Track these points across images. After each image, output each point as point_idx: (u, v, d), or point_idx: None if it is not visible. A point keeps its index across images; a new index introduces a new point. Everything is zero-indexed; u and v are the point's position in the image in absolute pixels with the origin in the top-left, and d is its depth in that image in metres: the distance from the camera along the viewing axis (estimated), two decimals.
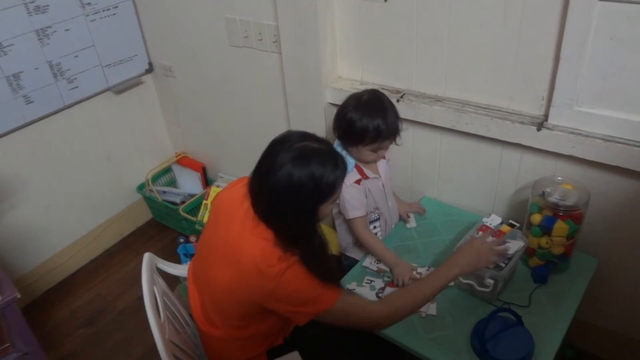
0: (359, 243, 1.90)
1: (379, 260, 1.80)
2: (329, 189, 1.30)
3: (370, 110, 1.70)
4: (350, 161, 1.78)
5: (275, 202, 1.30)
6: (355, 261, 1.88)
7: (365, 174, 1.80)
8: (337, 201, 1.78)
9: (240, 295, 1.36)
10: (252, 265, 1.30)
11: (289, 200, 1.28)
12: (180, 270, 1.73)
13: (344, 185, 1.74)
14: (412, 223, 1.98)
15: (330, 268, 1.42)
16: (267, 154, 1.34)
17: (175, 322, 1.59)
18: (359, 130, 1.70)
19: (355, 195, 1.78)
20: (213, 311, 1.48)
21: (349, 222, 1.83)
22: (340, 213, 1.86)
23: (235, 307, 1.41)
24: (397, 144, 1.77)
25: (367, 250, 1.84)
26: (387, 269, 1.77)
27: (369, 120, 1.69)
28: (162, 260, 1.65)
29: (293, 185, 1.26)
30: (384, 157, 1.86)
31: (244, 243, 1.34)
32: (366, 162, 1.80)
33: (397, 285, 1.69)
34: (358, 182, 1.79)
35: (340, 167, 1.32)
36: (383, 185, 1.85)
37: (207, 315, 1.51)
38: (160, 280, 1.61)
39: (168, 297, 1.62)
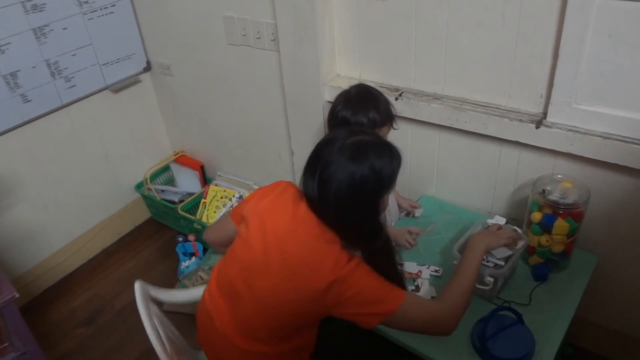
0: None
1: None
2: (390, 179, 1.28)
3: (360, 103, 1.71)
4: None
5: (343, 204, 1.25)
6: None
7: None
8: None
9: (302, 306, 1.29)
10: (322, 274, 1.24)
11: (357, 199, 1.25)
12: (174, 295, 1.64)
13: None
14: (418, 212, 2.02)
15: (397, 264, 1.38)
16: (318, 157, 1.28)
17: (175, 344, 1.52)
18: (353, 125, 1.71)
19: None
20: (260, 325, 1.37)
21: None
22: None
23: (289, 320, 1.34)
24: (394, 128, 1.76)
25: None
26: (414, 270, 1.76)
27: (361, 114, 1.69)
28: (154, 288, 1.57)
29: (357, 183, 1.23)
30: None
31: (311, 253, 1.28)
32: None
33: (398, 246, 1.74)
34: None
35: (395, 155, 1.29)
36: None
37: (249, 330, 1.39)
38: (153, 307, 1.52)
39: (164, 322, 1.56)
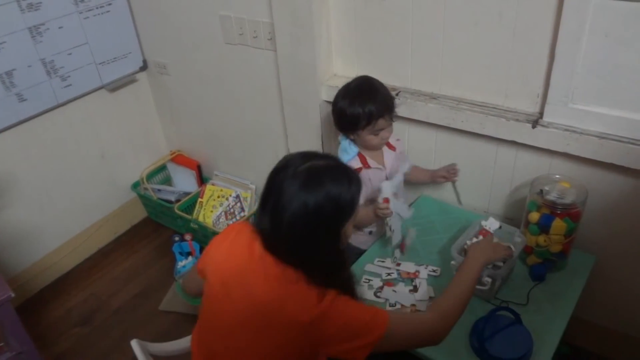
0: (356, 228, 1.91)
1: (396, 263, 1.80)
2: (349, 206, 1.18)
3: (359, 95, 1.73)
4: (354, 149, 1.80)
5: (298, 239, 1.15)
6: (356, 249, 1.91)
7: (367, 164, 1.80)
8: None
9: (285, 354, 1.21)
10: (297, 319, 1.15)
11: (312, 231, 1.15)
12: (173, 346, 1.60)
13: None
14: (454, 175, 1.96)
15: (357, 296, 1.27)
16: (271, 186, 1.19)
17: None
18: (350, 116, 1.73)
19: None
20: None
21: None
22: None
23: None
24: (392, 121, 1.76)
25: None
26: (412, 270, 1.76)
27: (358, 105, 1.71)
28: (151, 344, 1.53)
29: (311, 213, 1.13)
30: (392, 147, 1.86)
31: (277, 298, 1.18)
32: (372, 148, 1.80)
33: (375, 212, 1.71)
34: (358, 169, 1.79)
35: (354, 180, 1.20)
36: (387, 177, 1.84)
37: None
38: None
39: None
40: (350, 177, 1.20)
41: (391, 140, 1.86)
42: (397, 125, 1.85)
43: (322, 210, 1.14)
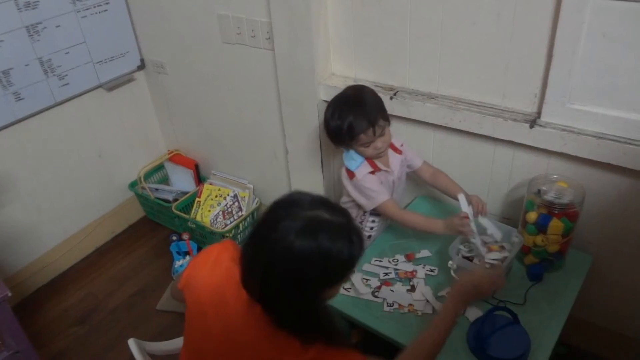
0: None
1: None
2: (338, 267, 1.07)
3: (343, 108, 1.71)
4: (359, 156, 1.78)
5: (270, 278, 1.05)
6: None
7: (377, 166, 1.79)
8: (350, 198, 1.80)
9: None
10: None
11: (288, 276, 1.04)
12: (168, 346, 1.59)
13: (362, 174, 1.76)
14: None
15: (341, 331, 1.18)
16: (268, 217, 1.09)
17: None
18: (332, 130, 1.73)
19: (373, 181, 1.77)
20: None
21: (379, 211, 1.79)
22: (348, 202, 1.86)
23: None
24: (379, 134, 1.71)
25: (412, 228, 1.81)
26: (409, 269, 1.76)
27: (340, 118, 1.70)
28: (148, 343, 1.53)
29: (294, 259, 1.02)
30: (398, 151, 1.84)
31: (256, 338, 1.11)
32: (369, 158, 1.78)
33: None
34: (372, 172, 1.78)
35: (355, 244, 1.08)
36: (394, 182, 1.84)
37: None
38: None
39: None
40: (352, 240, 1.08)
41: (396, 144, 1.85)
42: (394, 125, 1.85)
43: (305, 261, 1.03)
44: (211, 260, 1.26)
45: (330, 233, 1.04)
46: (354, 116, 1.68)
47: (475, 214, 1.70)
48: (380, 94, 1.80)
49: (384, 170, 1.80)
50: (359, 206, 1.84)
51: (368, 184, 1.76)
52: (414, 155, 1.90)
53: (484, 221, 1.69)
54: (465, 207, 1.66)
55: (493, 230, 1.67)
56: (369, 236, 1.93)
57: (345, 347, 1.12)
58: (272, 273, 1.05)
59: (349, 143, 1.74)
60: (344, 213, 1.12)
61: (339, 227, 1.07)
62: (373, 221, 1.90)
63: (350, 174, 1.79)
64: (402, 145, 1.88)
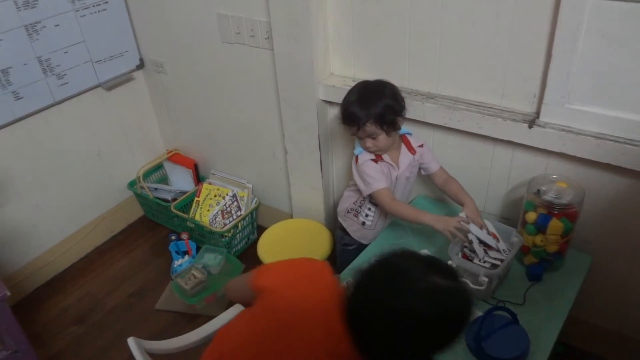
0: (352, 212, 1.95)
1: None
2: (460, 329, 1.08)
3: (358, 94, 1.73)
4: None
5: (390, 339, 1.05)
6: (356, 242, 1.96)
7: (380, 157, 1.80)
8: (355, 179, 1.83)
9: None
10: None
11: (413, 340, 1.05)
12: (167, 345, 1.59)
13: (363, 159, 1.79)
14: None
15: None
16: (382, 275, 1.09)
17: None
18: (341, 110, 1.77)
19: (373, 167, 1.79)
20: None
21: (374, 197, 1.82)
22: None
23: None
24: (383, 132, 1.72)
25: (401, 219, 1.84)
26: None
27: (349, 102, 1.74)
28: (148, 342, 1.53)
29: (425, 323, 1.03)
30: (412, 150, 1.84)
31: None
32: (366, 149, 1.79)
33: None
34: (375, 160, 1.80)
35: (472, 302, 1.10)
36: (397, 178, 1.84)
37: None
38: None
39: None
40: (470, 301, 1.09)
41: (414, 144, 1.85)
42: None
43: (436, 326, 1.04)
44: (307, 280, 1.24)
45: (452, 298, 1.05)
46: (354, 105, 1.71)
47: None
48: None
49: (388, 164, 1.81)
50: (359, 192, 1.87)
51: (368, 170, 1.78)
52: (432, 159, 1.89)
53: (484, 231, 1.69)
54: (471, 225, 1.67)
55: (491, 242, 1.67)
56: (363, 223, 1.95)
57: None
58: (393, 336, 1.04)
59: (348, 127, 1.77)
60: (455, 274, 1.12)
61: (458, 290, 1.07)
62: (369, 209, 1.92)
63: (356, 159, 1.83)
64: (420, 146, 1.87)
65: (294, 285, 1.24)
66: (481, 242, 1.65)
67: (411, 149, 1.84)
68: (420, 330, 1.03)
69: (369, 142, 1.75)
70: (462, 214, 1.71)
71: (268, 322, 1.21)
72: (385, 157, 1.80)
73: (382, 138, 1.73)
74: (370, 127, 1.71)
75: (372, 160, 1.79)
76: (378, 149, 1.77)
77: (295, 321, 1.17)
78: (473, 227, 1.65)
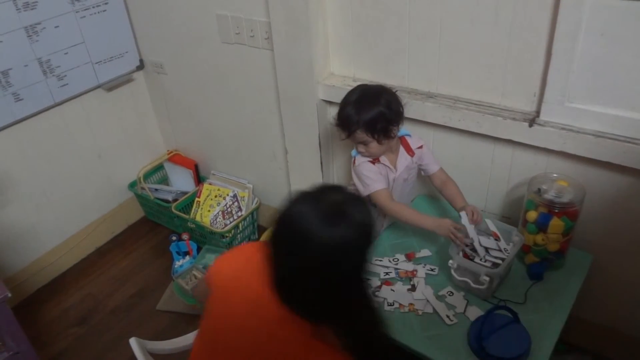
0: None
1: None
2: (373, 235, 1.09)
3: (353, 100, 1.71)
4: None
5: (327, 280, 1.05)
6: None
7: (377, 158, 1.79)
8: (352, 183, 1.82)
9: None
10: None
11: (340, 271, 1.05)
12: (169, 345, 1.60)
13: (360, 161, 1.79)
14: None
15: (387, 337, 1.20)
16: (285, 223, 1.09)
17: None
18: (338, 111, 1.75)
19: (371, 169, 1.78)
20: None
21: (372, 199, 1.79)
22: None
23: None
24: (374, 139, 1.71)
25: (400, 221, 1.83)
26: (410, 269, 1.76)
27: (342, 108, 1.72)
28: (150, 342, 1.54)
29: (340, 248, 1.03)
30: (410, 152, 1.83)
31: (270, 321, 1.11)
32: (360, 154, 1.80)
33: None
34: (372, 162, 1.79)
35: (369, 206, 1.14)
36: (394, 180, 1.83)
37: None
38: None
39: None
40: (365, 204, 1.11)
41: (413, 146, 1.84)
42: None
43: (352, 243, 1.03)
44: (244, 257, 1.26)
45: (353, 207, 1.05)
46: (347, 111, 1.70)
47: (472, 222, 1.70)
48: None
49: (385, 166, 1.80)
50: (358, 192, 1.85)
51: (365, 171, 1.78)
52: (432, 160, 1.87)
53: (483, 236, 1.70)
54: (467, 225, 1.67)
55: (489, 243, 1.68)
56: None
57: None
58: (321, 276, 1.04)
59: (341, 130, 1.75)
60: (344, 187, 1.15)
61: (355, 199, 1.09)
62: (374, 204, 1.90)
63: (353, 160, 1.82)
64: (420, 148, 1.85)
65: (232, 264, 1.26)
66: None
67: (410, 151, 1.84)
68: (327, 273, 1.04)
69: (361, 148, 1.76)
70: (463, 214, 1.71)
71: (216, 301, 1.24)
72: (383, 159, 1.79)
73: (374, 146, 1.72)
74: (360, 135, 1.70)
75: (370, 161, 1.78)
76: (370, 154, 1.76)
77: (235, 288, 1.20)
78: (470, 230, 1.66)
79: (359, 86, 1.77)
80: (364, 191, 1.79)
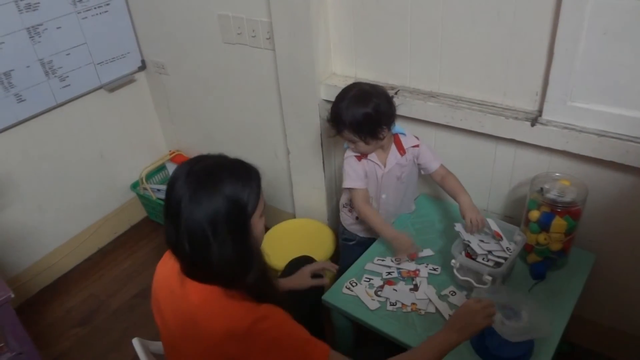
0: (347, 207, 1.97)
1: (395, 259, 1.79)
2: (251, 201, 1.16)
3: (346, 98, 1.72)
4: None
5: (202, 242, 1.12)
6: (354, 236, 1.97)
7: (367, 155, 1.81)
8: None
9: None
10: (216, 332, 1.11)
11: (219, 234, 1.11)
12: None
13: (348, 154, 1.82)
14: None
15: (276, 291, 1.24)
16: (169, 195, 1.16)
17: None
18: (331, 109, 1.76)
19: (354, 166, 1.81)
20: None
21: (350, 195, 1.86)
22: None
23: None
24: (360, 140, 1.72)
25: (365, 224, 1.87)
26: (412, 268, 1.76)
27: (336, 103, 1.73)
28: (152, 342, 1.53)
29: (213, 219, 1.10)
30: (402, 150, 1.83)
31: (198, 316, 1.14)
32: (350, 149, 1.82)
33: (396, 260, 1.71)
34: (358, 158, 1.81)
35: (252, 172, 1.23)
36: (382, 176, 1.84)
37: None
38: None
39: None
40: (248, 171, 1.21)
41: (405, 144, 1.84)
42: (398, 124, 1.84)
43: (222, 213, 1.10)
44: (164, 261, 1.32)
45: (226, 175, 1.14)
46: (336, 110, 1.71)
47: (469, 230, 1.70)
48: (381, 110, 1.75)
49: (374, 162, 1.81)
50: None
51: (347, 167, 1.82)
52: (431, 159, 1.86)
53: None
54: (463, 235, 1.70)
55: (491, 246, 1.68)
56: (357, 217, 1.94)
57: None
58: (200, 236, 1.10)
59: (333, 127, 1.77)
60: (223, 155, 1.24)
61: (230, 165, 1.19)
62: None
63: (345, 151, 1.86)
64: (415, 147, 1.85)
65: (155, 277, 1.33)
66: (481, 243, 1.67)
67: (401, 149, 1.84)
68: (214, 221, 1.10)
69: (350, 144, 1.79)
70: (458, 225, 1.72)
71: (156, 315, 1.31)
72: (372, 155, 1.81)
73: (361, 145, 1.74)
74: (347, 135, 1.73)
75: (357, 156, 1.81)
76: (358, 151, 1.79)
77: (163, 298, 1.26)
78: (468, 238, 1.69)
79: (353, 85, 1.77)
80: (344, 183, 1.84)
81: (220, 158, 1.20)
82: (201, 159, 1.18)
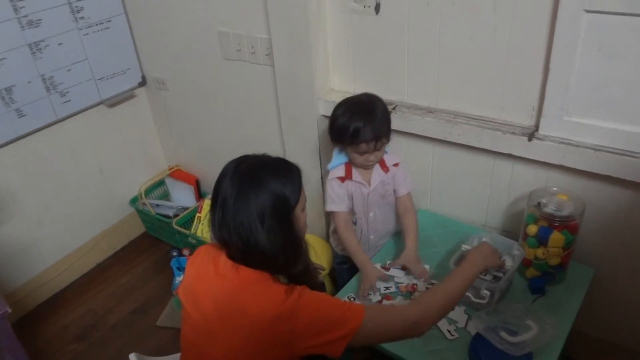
0: (337, 234, 1.95)
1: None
2: (294, 195, 1.27)
3: (356, 110, 1.73)
4: (342, 158, 1.82)
5: (253, 238, 1.21)
6: (347, 259, 1.94)
7: (351, 175, 1.81)
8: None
9: (260, 354, 1.21)
10: (265, 316, 1.17)
11: (266, 228, 1.21)
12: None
13: (332, 176, 1.83)
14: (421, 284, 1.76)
15: (317, 281, 1.36)
16: (216, 195, 1.27)
17: None
18: (337, 127, 1.75)
19: (335, 189, 1.82)
20: None
21: (332, 217, 1.88)
22: None
23: None
24: (377, 149, 1.74)
25: (344, 246, 1.88)
26: (410, 283, 1.76)
27: (350, 119, 1.71)
28: (151, 358, 1.54)
29: (260, 214, 1.20)
30: (385, 168, 1.84)
31: (243, 298, 1.21)
32: (355, 165, 1.81)
33: (359, 291, 1.72)
34: (341, 179, 1.81)
35: (293, 168, 1.33)
36: (368, 194, 1.85)
37: None
38: None
39: None
40: (289, 167, 1.31)
41: (388, 162, 1.85)
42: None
43: (269, 208, 1.20)
44: (199, 258, 1.36)
45: (269, 172, 1.28)
46: (364, 123, 1.69)
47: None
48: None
49: (357, 182, 1.82)
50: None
51: (330, 190, 1.83)
52: (403, 182, 1.88)
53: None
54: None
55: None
56: (355, 222, 1.93)
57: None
58: (246, 232, 1.20)
59: (346, 145, 1.77)
60: (265, 154, 1.41)
61: (272, 163, 1.33)
62: (354, 222, 1.92)
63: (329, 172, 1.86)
64: (395, 165, 1.87)
65: (189, 271, 1.36)
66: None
67: (384, 167, 1.85)
68: (260, 216, 1.21)
69: (373, 156, 1.75)
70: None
71: (189, 308, 1.32)
72: (355, 175, 1.81)
73: (378, 154, 1.76)
74: (364, 146, 1.72)
75: (339, 178, 1.81)
76: (377, 160, 1.79)
77: (199, 287, 1.30)
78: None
79: (349, 99, 1.79)
80: (326, 206, 1.85)
81: (263, 157, 1.34)
82: (246, 159, 1.32)
